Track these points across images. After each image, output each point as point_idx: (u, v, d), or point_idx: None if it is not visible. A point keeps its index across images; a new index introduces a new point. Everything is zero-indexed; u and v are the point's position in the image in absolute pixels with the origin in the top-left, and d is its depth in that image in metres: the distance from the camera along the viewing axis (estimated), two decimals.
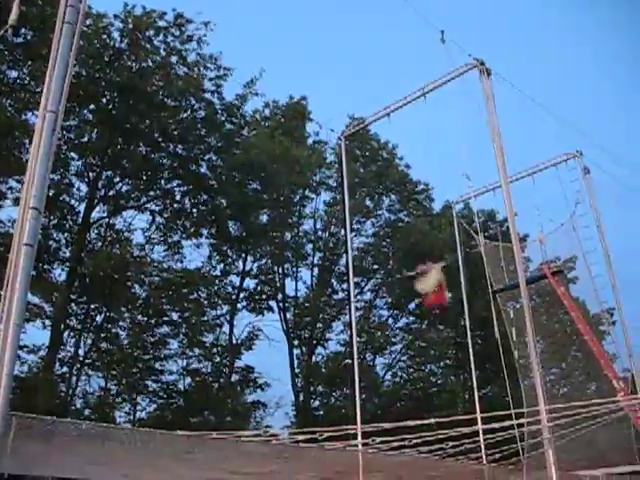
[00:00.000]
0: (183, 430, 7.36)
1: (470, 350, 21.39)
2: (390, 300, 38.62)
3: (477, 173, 17.65)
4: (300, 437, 7.92)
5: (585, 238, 20.98)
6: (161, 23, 27.34)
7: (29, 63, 24.14)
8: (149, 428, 7.52)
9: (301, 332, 36.11)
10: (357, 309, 33.94)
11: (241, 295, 34.28)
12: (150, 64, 27.20)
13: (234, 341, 33.01)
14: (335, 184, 35.37)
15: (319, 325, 36.20)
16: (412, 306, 38.87)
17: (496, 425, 9.18)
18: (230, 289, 34.15)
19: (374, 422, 8.79)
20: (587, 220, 20.85)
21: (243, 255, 34.36)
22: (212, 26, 27.97)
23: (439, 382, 38.60)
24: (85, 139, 27.76)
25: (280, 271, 36.06)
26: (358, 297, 36.21)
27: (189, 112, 29.01)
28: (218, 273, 33.75)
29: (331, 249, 36.73)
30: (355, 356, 16.06)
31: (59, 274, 27.62)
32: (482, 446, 11.44)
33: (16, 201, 23.37)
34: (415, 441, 8.52)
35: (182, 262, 31.35)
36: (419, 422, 8.54)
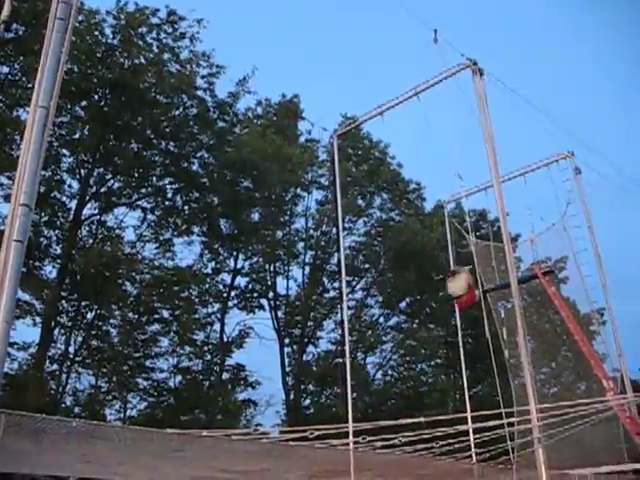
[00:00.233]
0: (173, 428, 7.35)
1: (461, 349, 21.46)
2: (381, 299, 38.68)
3: (469, 173, 17.67)
4: (290, 436, 7.91)
5: (576, 238, 21.08)
6: (154, 20, 27.26)
7: (21, 59, 24.03)
8: (139, 426, 7.50)
9: (292, 330, 36.12)
10: (348, 308, 33.95)
11: (232, 293, 34.29)
12: (142, 61, 27.12)
13: (225, 339, 33.00)
14: (327, 183, 35.41)
15: (310, 324, 36.21)
16: (403, 305, 38.98)
17: (486, 424, 9.21)
18: (221, 287, 34.16)
19: (365, 421, 8.79)
20: (578, 220, 20.94)
21: (234, 253, 34.34)
22: (205, 24, 27.95)
23: (430, 381, 38.70)
24: (77, 136, 27.66)
25: (271, 269, 36.05)
26: (349, 296, 36.22)
27: (181, 109, 28.95)
28: (209, 271, 33.74)
29: (322, 248, 36.74)
30: (347, 354, 16.05)
31: (50, 271, 27.57)
32: (472, 445, 11.47)
33: (7, 197, 23.28)
34: (406, 440, 8.53)
35: (173, 260, 31.37)
36: (410, 421, 8.55)
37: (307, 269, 36.75)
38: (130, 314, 30.15)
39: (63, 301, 27.63)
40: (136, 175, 29.39)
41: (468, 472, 12.26)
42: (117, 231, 30.10)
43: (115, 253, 27.70)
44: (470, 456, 12.17)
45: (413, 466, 10.74)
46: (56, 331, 27.24)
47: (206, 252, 33.41)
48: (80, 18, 24.01)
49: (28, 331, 26.30)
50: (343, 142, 26.14)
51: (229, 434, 7.50)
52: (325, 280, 37.09)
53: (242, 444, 7.98)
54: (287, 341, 35.78)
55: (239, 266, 34.60)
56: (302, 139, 37.20)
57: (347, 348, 16.68)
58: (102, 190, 28.85)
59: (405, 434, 8.43)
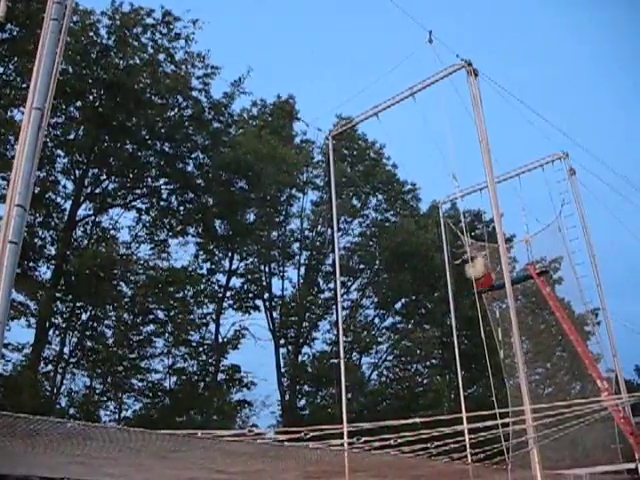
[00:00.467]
0: (168, 429, 7.33)
1: (456, 350, 21.50)
2: (376, 300, 38.72)
3: (464, 173, 17.75)
4: (286, 436, 7.90)
5: (571, 239, 21.14)
6: (149, 20, 27.21)
7: (15, 59, 23.96)
8: (134, 427, 7.48)
9: (287, 331, 36.12)
10: (343, 308, 33.99)
11: (227, 294, 34.24)
12: (137, 61, 27.07)
13: (220, 340, 32.94)
14: (322, 183, 35.41)
15: (305, 324, 36.22)
16: (398, 306, 39.02)
17: (481, 425, 9.22)
18: (216, 288, 34.11)
19: (360, 421, 8.79)
20: (573, 221, 21.00)
21: (229, 254, 34.30)
22: (200, 24, 27.90)
23: (425, 382, 38.72)
24: (72, 136, 27.59)
25: (267, 270, 36.04)
26: (344, 296, 36.27)
27: (176, 110, 28.91)
28: (204, 272, 33.69)
29: (318, 248, 36.73)
30: (342, 355, 16.08)
31: (44, 272, 27.48)
32: (467, 445, 11.48)
33: (1, 198, 23.21)
34: (400, 440, 8.53)
35: (168, 260, 31.29)
36: (405, 421, 8.56)
37: (302, 270, 36.78)
38: (125, 315, 30.07)
39: (58, 302, 27.54)
40: (131, 176, 29.34)
41: (463, 472, 12.26)
42: (112, 232, 30.04)
43: (110, 254, 27.63)
44: (465, 456, 12.19)
45: (408, 466, 10.75)
46: (51, 332, 27.17)
47: (201, 253, 33.38)
48: (75, 19, 24.00)
49: (23, 332, 26.25)
50: (338, 143, 26.17)
51: (224, 435, 7.49)
52: (320, 281, 37.13)
53: (237, 445, 7.96)
54: (282, 342, 35.78)
55: (234, 267, 34.59)
56: (297, 140, 37.21)
57: (341, 349, 16.73)
58: (97, 191, 28.81)
59: (400, 434, 8.43)
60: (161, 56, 27.87)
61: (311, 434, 7.59)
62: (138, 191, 29.99)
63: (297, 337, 35.71)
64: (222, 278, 34.22)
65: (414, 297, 38.37)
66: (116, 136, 27.52)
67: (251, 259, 35.52)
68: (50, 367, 27.31)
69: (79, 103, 26.95)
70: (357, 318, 37.95)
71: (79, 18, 25.09)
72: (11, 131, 22.69)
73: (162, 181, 30.16)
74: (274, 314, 35.52)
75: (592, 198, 22.34)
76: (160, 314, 30.77)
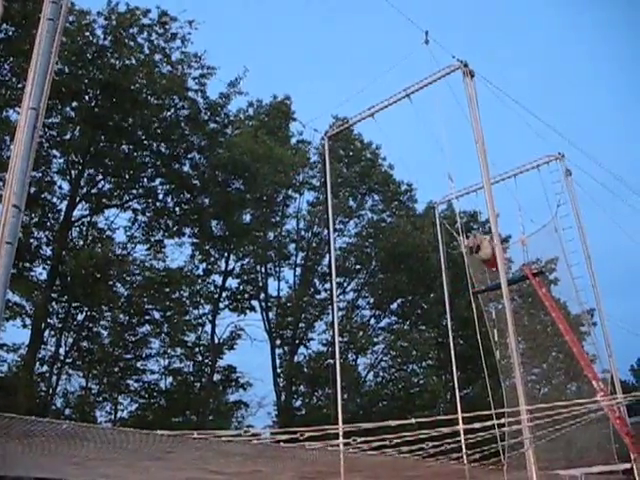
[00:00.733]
0: (164, 430, 7.32)
1: (452, 350, 21.52)
2: (372, 300, 38.75)
3: (460, 174, 17.75)
4: (281, 437, 7.90)
5: (566, 239, 21.13)
6: (145, 21, 27.12)
7: (10, 59, 23.91)
8: (130, 428, 7.47)
9: (283, 332, 36.12)
10: (339, 309, 34.00)
11: (223, 294, 34.23)
12: (133, 62, 27.01)
13: (216, 340, 32.95)
14: (318, 184, 35.43)
15: (301, 325, 36.21)
16: (394, 306, 39.05)
17: (477, 425, 9.22)
18: (212, 288, 34.09)
19: (356, 422, 8.79)
20: (569, 222, 21.00)
21: (226, 254, 34.29)
22: (196, 25, 27.86)
23: (421, 382, 38.70)
24: (67, 136, 27.53)
25: (263, 271, 36.06)
26: (340, 297, 36.31)
27: (173, 110, 28.85)
28: (200, 272, 33.68)
29: (314, 249, 36.76)
30: (337, 356, 16.07)
31: (40, 272, 27.43)
32: (463, 446, 11.49)
33: None
34: (396, 441, 8.52)
35: (164, 261, 31.28)
36: (400, 422, 8.55)
37: (298, 270, 36.81)
38: (121, 316, 30.06)
39: (53, 302, 27.51)
40: (127, 176, 29.27)
41: (459, 473, 12.29)
42: (108, 232, 29.99)
43: (106, 254, 27.60)
44: (461, 457, 12.20)
45: (404, 467, 10.76)
46: (46, 333, 27.13)
47: (197, 253, 33.35)
48: (71, 19, 23.94)
49: (18, 333, 26.23)
50: (334, 143, 26.17)
51: (220, 435, 7.48)
52: (316, 281, 37.13)
53: (233, 445, 7.97)
54: (278, 342, 35.79)
55: (230, 267, 34.58)
56: (293, 140, 37.20)
57: (337, 349, 16.72)
58: (93, 191, 28.75)
59: (396, 435, 8.43)
60: (157, 56, 27.79)
61: (307, 434, 7.59)
62: (134, 191, 29.92)
63: (293, 338, 35.71)
64: (218, 279, 34.26)
65: (410, 298, 38.41)
66: (112, 136, 27.47)
67: (247, 260, 35.52)
68: (46, 368, 27.28)
69: (75, 103, 26.89)
70: (353, 319, 37.94)
71: (75, 18, 25.04)
72: (6, 131, 22.64)
73: (158, 181, 30.10)
74: (270, 315, 35.55)
75: (588, 199, 22.37)
76: (156, 315, 30.79)
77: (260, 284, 35.86)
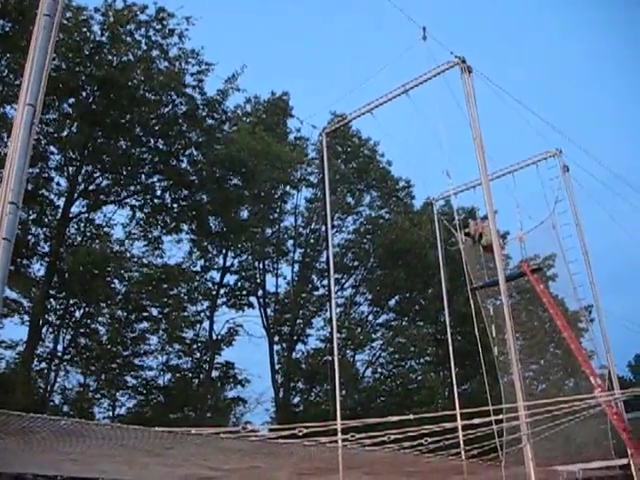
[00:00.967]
0: (162, 426, 7.31)
1: (450, 347, 21.54)
2: (370, 296, 38.77)
3: (458, 170, 17.78)
4: (280, 433, 7.89)
5: (564, 236, 21.15)
6: (142, 17, 27.02)
7: (7, 55, 23.84)
8: (128, 424, 7.47)
9: (281, 328, 36.14)
10: (337, 305, 34.01)
11: (221, 291, 34.24)
12: (131, 58, 26.95)
13: (214, 337, 32.95)
14: (316, 180, 35.39)
15: (299, 321, 36.23)
16: (392, 302, 39.06)
17: (475, 421, 9.22)
18: (210, 285, 34.11)
19: (354, 418, 8.79)
20: (567, 218, 21.02)
21: (223, 251, 34.29)
22: (194, 21, 27.78)
23: (419, 378, 38.77)
24: (65, 133, 27.46)
25: (261, 267, 36.05)
26: (338, 293, 36.32)
27: (170, 107, 28.77)
28: (198, 269, 33.70)
29: (312, 245, 36.76)
30: (335, 352, 16.08)
31: (38, 269, 27.40)
32: (461, 442, 11.50)
33: None
34: (394, 437, 8.53)
35: (162, 257, 31.27)
36: (398, 418, 8.55)
37: (296, 267, 36.81)
38: (119, 312, 30.07)
39: (51, 299, 27.50)
40: (125, 173, 29.22)
41: (457, 468, 12.30)
42: (106, 229, 29.99)
43: (104, 251, 27.60)
44: (459, 453, 12.21)
45: (402, 463, 10.77)
46: (44, 329, 27.12)
47: (195, 250, 33.37)
48: (68, 15, 23.86)
49: (16, 329, 26.24)
50: (332, 140, 26.14)
51: (218, 432, 7.48)
52: (314, 278, 37.15)
53: (231, 442, 7.96)
54: (276, 339, 35.81)
55: (228, 264, 34.57)
56: (291, 137, 37.19)
57: (335, 345, 16.73)
58: (90, 188, 28.69)
59: (394, 431, 8.43)
60: (155, 53, 27.70)
61: (305, 431, 7.59)
62: (132, 188, 29.87)
63: (291, 334, 35.74)
64: (216, 275, 34.28)
65: (408, 294, 38.43)
66: (109, 133, 27.42)
67: (245, 256, 35.54)
68: (44, 364, 27.30)
69: (72, 100, 26.81)
70: (351, 315, 37.98)
71: (72, 14, 24.96)
72: (4, 128, 22.59)
73: (156, 178, 30.04)
74: (268, 311, 35.54)
75: (586, 195, 22.40)
76: (154, 311, 30.80)
77: (258, 280, 35.86)
